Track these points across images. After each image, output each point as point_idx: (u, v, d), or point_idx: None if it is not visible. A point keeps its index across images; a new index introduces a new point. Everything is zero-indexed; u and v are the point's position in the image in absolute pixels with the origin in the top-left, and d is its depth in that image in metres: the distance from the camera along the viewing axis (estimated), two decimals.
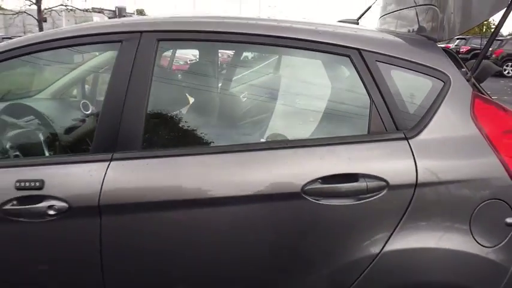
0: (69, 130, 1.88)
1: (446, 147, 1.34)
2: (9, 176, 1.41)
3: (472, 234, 1.31)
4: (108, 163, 1.36)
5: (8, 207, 1.38)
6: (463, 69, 1.48)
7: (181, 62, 5.80)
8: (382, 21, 2.47)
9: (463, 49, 20.81)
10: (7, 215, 1.38)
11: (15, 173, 1.41)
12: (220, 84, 1.97)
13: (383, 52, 1.42)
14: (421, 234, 1.31)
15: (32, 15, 9.55)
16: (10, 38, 19.84)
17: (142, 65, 1.42)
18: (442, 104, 1.36)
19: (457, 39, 22.87)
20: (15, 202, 1.38)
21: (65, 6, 10.31)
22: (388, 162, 1.33)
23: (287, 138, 1.48)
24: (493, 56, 17.77)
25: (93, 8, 9.73)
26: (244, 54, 1.92)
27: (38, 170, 1.41)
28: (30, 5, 9.21)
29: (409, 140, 1.33)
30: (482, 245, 1.32)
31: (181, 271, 1.40)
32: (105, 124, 1.42)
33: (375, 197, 1.29)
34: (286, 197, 1.30)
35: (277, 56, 1.69)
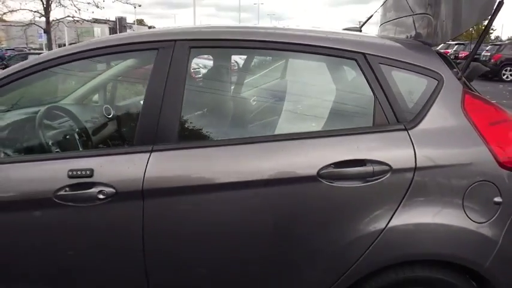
0: (112, 126, 2.11)
1: (441, 136, 1.55)
2: (61, 166, 1.62)
3: (464, 211, 1.52)
4: (149, 154, 1.58)
5: (61, 193, 1.59)
6: (454, 70, 1.70)
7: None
8: (382, 28, 2.70)
9: (462, 54, 21.03)
10: (60, 200, 1.59)
11: (67, 164, 1.63)
12: (248, 85, 2.21)
13: (385, 55, 1.64)
14: (421, 211, 1.51)
15: (41, 27, 9.82)
16: (13, 50, 20.02)
17: (177, 69, 1.64)
18: (437, 100, 1.58)
19: (456, 44, 23.15)
20: (67, 189, 1.59)
21: (72, 17, 10.58)
22: (390, 150, 1.54)
23: (305, 130, 1.69)
24: (492, 60, 17.95)
25: (98, 19, 10.00)
26: (263, 58, 2.16)
27: (88, 161, 1.63)
28: (40, 17, 9.50)
29: (409, 131, 1.55)
30: (474, 221, 1.52)
31: (214, 248, 1.60)
32: (145, 121, 1.64)
33: (380, 180, 1.50)
34: (305, 180, 1.52)
35: (294, 60, 1.91)
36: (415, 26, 2.01)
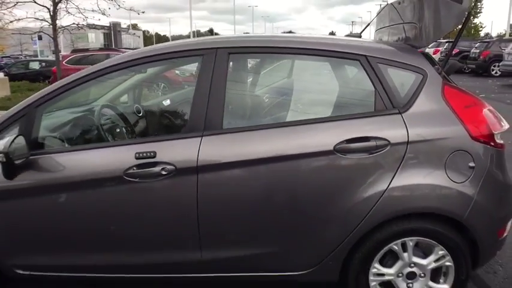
0: (168, 117, 2.56)
1: (427, 117, 2.02)
2: (129, 150, 2.07)
3: (446, 174, 1.98)
4: (200, 138, 2.02)
5: (130, 171, 2.03)
6: (436, 66, 2.17)
7: (187, 74, 6.48)
8: (377, 33, 3.16)
9: (452, 52, 21.57)
10: (129, 177, 2.03)
11: (134, 148, 2.07)
12: (275, 82, 2.67)
13: (382, 57, 2.10)
14: (413, 175, 1.97)
15: (49, 35, 10.23)
16: (9, 57, 20.22)
17: (219, 71, 2.09)
18: (422, 90, 2.04)
19: (446, 42, 23.72)
20: (135, 168, 2.03)
21: (77, 24, 10.99)
22: (389, 129, 2.00)
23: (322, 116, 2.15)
24: (481, 57, 18.51)
25: (93, 25, 10.31)
26: (285, 60, 2.63)
27: (151, 145, 2.07)
28: (48, 26, 9.89)
29: (402, 114, 2.01)
30: (454, 181, 1.98)
31: (252, 209, 2.05)
32: (195, 113, 2.08)
33: (381, 152, 1.96)
34: (323, 154, 1.97)
35: (311, 61, 2.37)
36: (405, 31, 2.47)
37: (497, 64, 17.36)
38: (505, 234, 2.21)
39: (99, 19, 9.85)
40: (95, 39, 68.14)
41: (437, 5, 2.13)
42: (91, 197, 2.12)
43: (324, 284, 2.28)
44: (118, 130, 2.52)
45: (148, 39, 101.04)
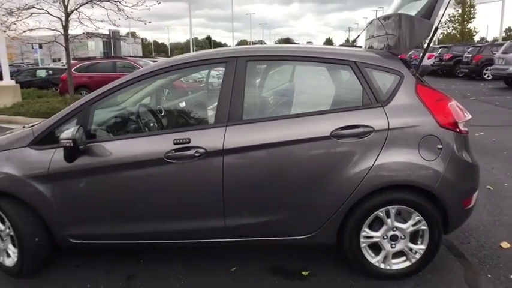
0: (199, 112, 3.11)
1: (403, 110, 2.55)
2: (168, 137, 2.60)
3: (420, 154, 2.51)
4: (225, 128, 2.55)
5: (169, 154, 2.55)
6: (411, 69, 2.71)
7: (191, 80, 7.04)
8: (366, 42, 3.71)
9: (446, 57, 22.11)
10: (168, 159, 2.56)
11: (172, 136, 2.60)
12: (283, 83, 3.23)
13: (368, 62, 2.64)
14: (393, 154, 2.50)
15: (62, 44, 10.76)
16: (11, 65, 20.65)
17: (239, 74, 2.63)
18: (400, 88, 2.58)
19: (440, 48, 24.40)
20: (173, 151, 2.56)
21: (86, 33, 11.52)
22: (373, 118, 2.53)
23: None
24: (473, 61, 19.12)
25: (92, 33, 10.81)
26: (293, 66, 3.19)
27: (186, 133, 2.60)
28: (62, 35, 10.42)
29: (384, 107, 2.54)
30: (426, 159, 2.51)
31: (268, 183, 2.57)
32: (221, 107, 2.61)
33: (368, 136, 2.49)
34: (322, 139, 2.50)
35: (313, 66, 2.92)
36: (388, 41, 3.02)
37: (489, 68, 17.96)
38: (470, 205, 2.74)
39: (103, 27, 10.26)
40: (94, 47, 68.86)
41: (412, 21, 2.68)
42: (136, 176, 2.64)
43: (324, 248, 2.82)
44: (152, 124, 3.07)
45: (146, 46, 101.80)
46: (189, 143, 2.55)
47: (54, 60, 52.19)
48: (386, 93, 2.59)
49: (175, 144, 2.56)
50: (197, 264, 3.02)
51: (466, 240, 3.29)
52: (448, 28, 36.18)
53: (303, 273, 2.84)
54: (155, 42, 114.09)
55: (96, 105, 2.77)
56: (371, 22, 3.61)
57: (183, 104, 3.31)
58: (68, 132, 2.51)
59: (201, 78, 8.66)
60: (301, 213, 2.62)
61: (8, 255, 2.94)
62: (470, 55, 19.56)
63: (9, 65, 39.47)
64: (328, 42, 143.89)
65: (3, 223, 2.87)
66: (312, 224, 2.63)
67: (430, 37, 2.62)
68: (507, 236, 3.31)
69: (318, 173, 2.55)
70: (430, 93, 2.64)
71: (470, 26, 36.11)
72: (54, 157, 2.68)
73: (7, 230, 2.87)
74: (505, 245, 3.18)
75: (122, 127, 3.02)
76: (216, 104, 2.60)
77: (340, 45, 3.45)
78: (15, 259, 2.88)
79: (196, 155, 2.54)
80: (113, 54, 63.37)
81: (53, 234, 2.83)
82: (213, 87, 3.87)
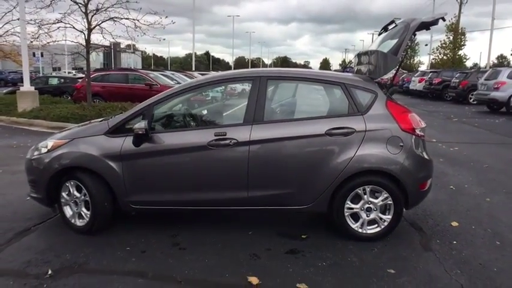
0: (232, 115, 4.18)
1: (377, 118, 3.62)
2: (210, 131, 3.65)
3: (387, 148, 3.57)
4: (251, 126, 3.61)
5: (211, 143, 3.60)
6: (383, 90, 3.80)
7: (209, 98, 8.11)
8: (356, 67, 4.82)
9: (435, 81, 23.44)
10: (210, 146, 3.60)
11: (213, 130, 3.65)
12: (291, 95, 4.32)
13: (353, 84, 3.74)
14: (368, 148, 3.56)
15: (83, 55, 11.82)
16: (16, 72, 21.89)
17: (261, 89, 3.70)
18: (375, 103, 3.66)
19: (430, 72, 25.78)
20: (214, 141, 3.60)
21: (102, 46, 12.59)
22: (355, 123, 3.59)
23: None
24: (460, 86, 20.44)
25: (96, 45, 11.76)
26: (296, 85, 4.27)
27: (223, 129, 3.65)
28: (84, 47, 11.48)
29: (363, 115, 3.62)
30: (391, 153, 3.57)
31: (281, 166, 3.60)
32: (249, 111, 3.66)
33: (351, 135, 3.56)
34: (318, 136, 3.56)
35: (312, 85, 4.02)
36: (369, 68, 4.12)
37: (474, 93, 19.21)
38: (425, 188, 3.79)
39: (102, 39, 11.16)
40: (95, 58, 70.13)
41: (385, 56, 3.78)
42: (186, 158, 3.67)
43: (318, 219, 3.85)
44: (197, 121, 4.13)
45: (145, 59, 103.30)
46: (225, 135, 3.60)
47: (54, 69, 53.33)
48: (365, 106, 3.67)
49: (215, 135, 3.61)
50: (223, 228, 4.03)
51: (425, 220, 4.33)
52: (440, 54, 37.82)
53: (302, 236, 3.85)
54: (154, 56, 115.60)
55: (156, 106, 3.83)
56: (357, 54, 4.74)
57: (218, 109, 4.44)
58: (141, 123, 3.55)
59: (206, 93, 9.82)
60: (303, 189, 3.65)
61: (80, 217, 3.92)
62: (458, 80, 20.89)
63: (13, 72, 40.20)
64: (325, 62, 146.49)
65: (80, 192, 3.87)
66: (310, 197, 3.66)
67: (397, 67, 3.73)
68: (457, 219, 4.36)
69: (315, 159, 3.60)
70: (396, 107, 3.73)
71: (461, 52, 37.82)
72: (125, 142, 3.72)
73: (82, 197, 3.87)
74: (454, 223, 4.22)
75: (175, 123, 4.07)
76: (238, 107, 3.66)
77: (335, 70, 4.58)
78: (87, 219, 3.87)
79: (230, 144, 3.58)
80: (113, 66, 64.60)
81: (118, 201, 3.83)
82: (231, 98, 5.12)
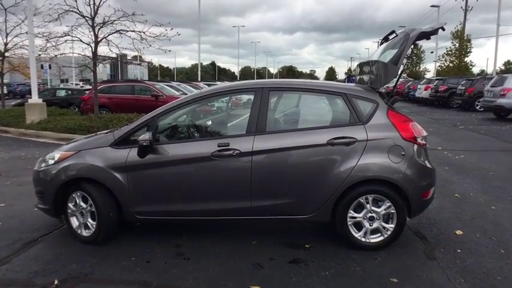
0: (235, 126, 4.23)
1: (378, 127, 3.65)
2: (213, 142, 3.70)
3: (389, 157, 3.59)
4: (254, 136, 3.65)
5: (214, 153, 3.64)
6: (384, 99, 3.83)
7: (214, 108, 8.21)
8: (359, 76, 4.86)
9: (441, 88, 23.39)
10: (214, 157, 3.64)
11: (216, 141, 3.70)
12: (293, 106, 4.37)
13: (354, 94, 3.78)
14: (370, 157, 3.58)
15: (90, 68, 12.00)
16: (24, 84, 22.36)
17: (264, 100, 3.75)
18: (376, 112, 3.70)
19: (436, 80, 25.74)
20: (217, 151, 3.65)
21: (108, 58, 12.78)
22: (357, 132, 3.62)
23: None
24: (466, 93, 20.38)
25: (102, 57, 11.90)
26: (298, 96, 4.32)
27: (226, 140, 3.70)
28: (91, 59, 11.66)
29: (364, 125, 3.65)
30: (393, 162, 3.60)
31: (283, 174, 3.63)
32: (251, 123, 3.71)
33: (352, 145, 3.59)
34: (320, 146, 3.60)
35: (315, 96, 4.06)
36: (370, 78, 4.16)
37: (480, 100, 19.13)
38: (428, 197, 3.80)
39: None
40: (101, 70, 70.88)
41: (386, 66, 3.82)
42: (189, 169, 3.72)
43: (321, 229, 3.87)
44: (200, 132, 4.18)
45: (152, 70, 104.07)
46: (228, 146, 3.65)
47: (62, 81, 54.04)
48: (366, 115, 3.71)
49: (218, 146, 3.66)
50: (227, 237, 4.06)
51: (429, 229, 4.33)
52: (446, 61, 37.71)
53: (306, 245, 3.87)
54: (161, 66, 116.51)
55: (161, 118, 3.89)
56: (359, 64, 4.79)
57: (222, 119, 4.50)
58: (145, 135, 3.61)
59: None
60: (305, 198, 3.67)
61: (86, 228, 3.97)
62: (464, 87, 20.83)
63: (22, 84, 40.71)
64: (331, 71, 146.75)
65: (86, 202, 3.93)
66: (313, 207, 3.68)
67: (398, 77, 3.77)
68: (462, 227, 4.35)
69: (317, 169, 3.63)
70: (397, 116, 3.76)
71: (467, 59, 37.70)
72: (130, 154, 3.78)
73: (88, 208, 3.92)
74: (458, 232, 4.22)
75: (179, 134, 4.13)
76: (240, 119, 3.71)
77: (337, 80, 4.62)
78: (93, 230, 3.92)
79: (233, 154, 3.63)
80: (120, 77, 65.28)
81: (123, 211, 3.88)
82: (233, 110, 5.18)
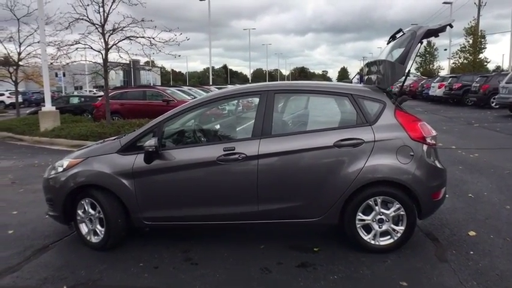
0: (239, 129, 4.22)
1: (385, 128, 3.59)
2: (219, 146, 3.68)
3: (397, 158, 3.53)
4: (259, 140, 3.63)
5: (220, 158, 3.63)
6: (392, 99, 3.77)
7: (225, 111, 8.20)
8: (366, 77, 4.80)
9: (455, 86, 23.01)
10: (219, 161, 3.63)
11: (222, 145, 3.69)
12: (300, 108, 4.33)
13: (361, 94, 3.72)
14: (378, 159, 3.52)
15: (101, 74, 12.14)
16: (39, 93, 22.77)
17: (269, 103, 3.72)
18: (383, 113, 3.64)
19: (450, 77, 25.35)
20: (222, 156, 3.63)
21: (120, 64, 12.91)
22: (364, 133, 3.57)
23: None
24: (481, 90, 20.02)
25: (115, 63, 12.01)
26: (304, 98, 4.28)
27: (232, 144, 3.68)
28: (102, 66, 11.79)
29: (371, 126, 3.59)
30: (401, 163, 3.53)
31: (290, 177, 3.60)
32: (257, 126, 3.68)
33: (360, 146, 3.54)
34: (327, 148, 3.55)
35: (321, 97, 4.02)
36: (378, 78, 4.10)
37: (495, 97, 18.76)
38: (439, 198, 3.72)
39: (121, 58, 11.39)
40: (114, 76, 71.73)
41: (393, 65, 3.76)
42: (195, 174, 3.71)
43: (329, 232, 3.82)
44: (206, 137, 4.17)
45: (164, 75, 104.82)
46: (234, 150, 3.63)
47: (76, 88, 54.90)
48: (374, 116, 3.65)
49: (224, 150, 3.64)
50: (235, 242, 4.04)
51: (441, 230, 4.24)
52: (460, 58, 37.19)
53: (315, 249, 3.82)
54: (173, 71, 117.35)
55: (167, 123, 3.89)
56: (367, 64, 4.73)
57: (227, 123, 4.48)
58: (151, 141, 3.62)
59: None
60: (313, 201, 3.63)
61: (95, 234, 4.00)
62: (478, 84, 20.45)
63: (37, 92, 41.50)
64: (344, 71, 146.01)
65: (95, 209, 3.95)
66: (321, 210, 3.64)
67: (405, 76, 3.70)
68: (475, 228, 4.25)
69: (324, 172, 3.58)
70: (405, 116, 3.69)
71: (481, 55, 37.10)
72: (136, 160, 3.79)
73: (97, 214, 3.95)
74: (471, 233, 4.12)
75: (185, 139, 4.13)
76: (247, 121, 3.69)
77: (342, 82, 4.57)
78: (102, 236, 3.94)
79: (239, 158, 3.61)
80: (132, 83, 65.96)
81: (131, 217, 3.89)
82: (241, 113, 5.14)
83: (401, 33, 4.11)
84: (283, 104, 4.18)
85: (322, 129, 3.70)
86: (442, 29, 3.69)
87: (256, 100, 3.80)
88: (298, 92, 4.14)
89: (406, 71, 3.67)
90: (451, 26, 3.69)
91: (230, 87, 4.13)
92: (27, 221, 4.92)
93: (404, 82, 3.88)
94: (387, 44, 4.59)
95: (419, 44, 3.71)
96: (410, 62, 3.66)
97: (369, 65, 4.77)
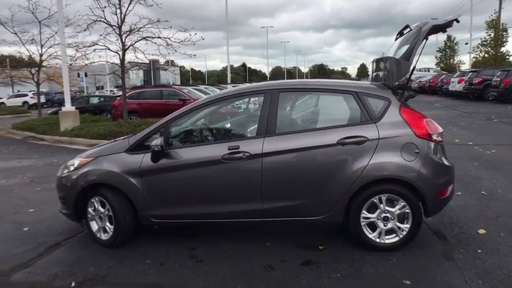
0: (244, 128, 4.25)
1: (390, 125, 3.56)
2: (224, 145, 3.72)
3: (402, 156, 3.50)
4: (263, 138, 3.65)
5: (225, 156, 3.67)
6: (397, 96, 3.73)
7: (241, 110, 8.26)
8: (374, 73, 4.77)
9: (475, 81, 22.48)
10: (224, 160, 3.67)
11: (227, 144, 3.72)
12: (304, 107, 4.34)
13: (365, 92, 3.70)
14: (382, 156, 3.50)
15: (118, 75, 12.36)
16: (61, 93, 23.13)
17: (273, 102, 3.74)
18: (388, 110, 3.61)
19: (470, 72, 24.79)
20: (227, 154, 3.67)
21: (138, 64, 13.11)
22: (368, 131, 3.55)
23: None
24: (502, 85, 19.52)
25: (135, 63, 12.19)
26: (308, 96, 4.28)
27: (237, 142, 3.71)
28: (119, 67, 12.00)
29: (376, 123, 3.57)
30: (406, 160, 3.50)
31: (294, 175, 3.60)
32: (261, 125, 3.71)
33: (364, 144, 3.52)
34: (331, 146, 3.55)
35: (324, 96, 4.02)
36: (384, 75, 4.07)
37: None
38: (446, 195, 3.67)
39: (138, 58, 11.53)
40: (135, 76, 72.72)
41: (398, 62, 3.73)
42: (201, 172, 3.76)
43: (334, 230, 3.82)
44: (212, 136, 4.22)
45: (183, 74, 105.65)
46: (238, 148, 3.66)
47: (97, 88, 55.93)
48: (378, 113, 3.63)
49: (229, 149, 3.68)
50: (242, 240, 4.07)
51: (450, 228, 4.18)
52: (481, 52, 36.31)
53: (320, 247, 3.83)
54: (193, 70, 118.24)
55: (173, 123, 3.96)
56: (375, 61, 4.70)
57: (233, 122, 4.53)
58: (157, 141, 3.69)
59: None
60: (317, 199, 3.63)
61: (105, 231, 4.09)
62: (499, 79, 19.95)
63: (59, 93, 42.58)
64: (363, 67, 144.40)
65: (104, 207, 4.05)
66: (325, 208, 3.64)
67: (410, 72, 3.66)
68: (485, 226, 4.17)
69: (328, 170, 3.58)
70: (410, 113, 3.66)
71: (503, 49, 36.14)
72: (144, 159, 3.86)
73: (106, 212, 4.04)
74: (481, 231, 4.05)
75: (191, 138, 4.19)
76: (252, 120, 3.71)
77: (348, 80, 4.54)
78: (111, 233, 4.03)
79: (244, 157, 3.64)
80: (152, 83, 66.75)
81: (139, 215, 3.97)
82: (251, 112, 5.13)
83: (408, 30, 4.06)
84: (287, 103, 4.19)
85: (326, 127, 3.69)
86: (448, 24, 3.63)
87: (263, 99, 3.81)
88: (303, 91, 4.14)
89: (412, 67, 3.62)
90: (458, 21, 3.62)
91: (235, 87, 4.15)
92: (43, 218, 5.07)
93: (409, 78, 3.83)
94: (395, 40, 4.54)
95: (425, 40, 3.66)
96: (416, 58, 3.61)
97: (377, 61, 4.73)
